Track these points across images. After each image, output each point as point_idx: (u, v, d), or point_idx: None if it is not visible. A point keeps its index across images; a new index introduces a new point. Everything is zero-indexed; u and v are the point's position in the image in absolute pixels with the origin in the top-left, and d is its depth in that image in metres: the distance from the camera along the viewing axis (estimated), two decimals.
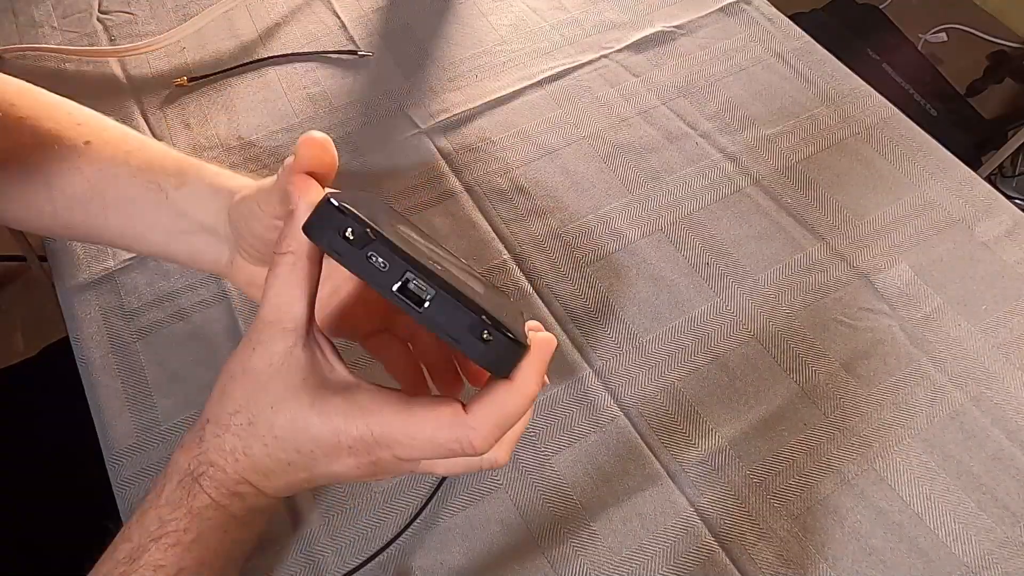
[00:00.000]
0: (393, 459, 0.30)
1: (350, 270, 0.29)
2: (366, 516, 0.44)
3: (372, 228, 0.28)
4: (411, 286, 0.29)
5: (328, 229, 0.29)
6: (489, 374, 0.32)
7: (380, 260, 0.29)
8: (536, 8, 0.72)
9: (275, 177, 0.35)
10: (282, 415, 0.30)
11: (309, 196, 0.31)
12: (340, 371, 0.31)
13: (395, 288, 0.29)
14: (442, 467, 0.33)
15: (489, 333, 0.29)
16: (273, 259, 0.31)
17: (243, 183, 0.39)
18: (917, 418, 0.47)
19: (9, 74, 0.69)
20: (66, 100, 0.45)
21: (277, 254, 0.30)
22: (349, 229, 0.28)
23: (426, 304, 0.29)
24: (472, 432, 0.29)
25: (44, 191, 0.41)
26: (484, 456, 0.31)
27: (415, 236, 0.34)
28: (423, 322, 0.29)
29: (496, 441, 0.30)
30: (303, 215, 0.30)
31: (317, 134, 0.32)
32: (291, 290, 0.30)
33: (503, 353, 0.30)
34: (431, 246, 0.35)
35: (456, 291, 0.29)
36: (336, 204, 0.29)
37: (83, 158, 0.41)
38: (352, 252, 0.29)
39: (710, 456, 0.46)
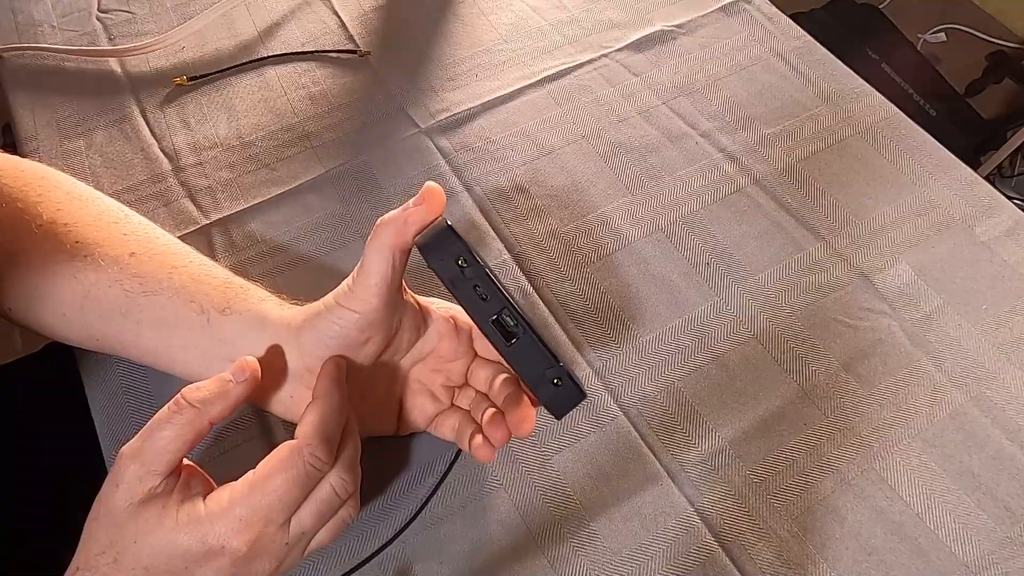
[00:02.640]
0: (270, 530, 0.32)
1: (453, 293, 0.32)
2: (365, 516, 0.44)
3: (482, 261, 0.31)
4: (504, 320, 0.32)
5: (444, 253, 0.31)
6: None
7: (482, 291, 0.31)
8: (536, 7, 0.71)
9: (345, 284, 0.36)
10: (146, 546, 0.31)
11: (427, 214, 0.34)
12: (204, 487, 0.34)
13: (491, 319, 0.32)
14: (325, 533, 0.36)
15: (560, 380, 0.32)
16: (177, 404, 0.32)
17: (293, 312, 0.39)
18: (917, 418, 0.47)
19: (8, 73, 0.70)
20: (115, 206, 0.45)
21: (184, 404, 0.32)
22: (462, 258, 0.31)
23: (514, 341, 0.32)
24: (305, 445, 0.33)
25: (79, 301, 0.40)
26: (334, 484, 0.34)
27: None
28: (507, 356, 0.32)
29: (327, 445, 0.33)
30: (413, 224, 0.33)
31: (435, 185, 0.34)
32: (178, 441, 0.32)
33: (567, 399, 0.33)
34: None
35: (540, 335, 0.32)
36: (456, 231, 0.31)
37: (125, 271, 0.40)
38: (461, 279, 0.31)
39: (710, 456, 0.46)
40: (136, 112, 0.64)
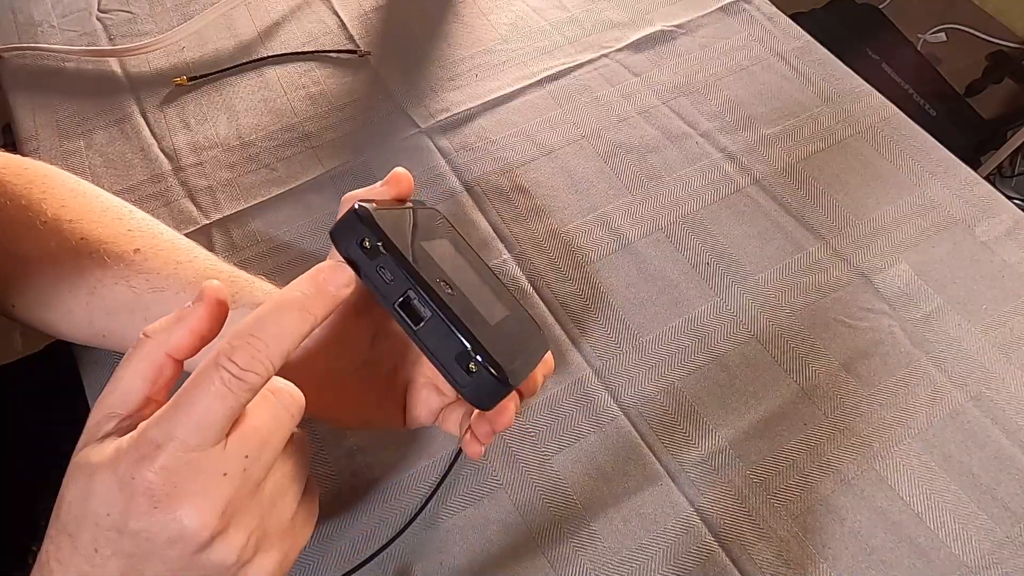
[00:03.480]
0: (189, 456, 0.26)
1: (361, 278, 0.30)
2: (366, 516, 0.44)
3: (386, 242, 0.29)
4: (413, 304, 0.29)
5: (349, 237, 0.30)
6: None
7: (388, 274, 0.29)
8: (536, 7, 0.71)
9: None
10: (77, 507, 0.27)
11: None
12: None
13: (396, 303, 0.29)
14: (294, 466, 0.30)
15: (475, 365, 0.29)
16: (137, 340, 0.28)
17: None
18: (917, 418, 0.47)
19: (8, 73, 0.70)
20: (118, 203, 0.45)
21: (141, 338, 0.28)
22: (366, 239, 0.29)
23: (421, 324, 0.29)
24: (222, 348, 0.26)
25: (84, 298, 0.40)
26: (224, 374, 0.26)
27: (449, 256, 0.34)
28: (415, 340, 0.30)
29: (250, 350, 0.26)
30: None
31: (403, 171, 0.33)
32: (136, 379, 0.28)
33: (484, 387, 0.30)
34: (467, 268, 0.35)
35: (454, 316, 0.29)
36: (359, 214, 0.30)
37: (130, 268, 0.40)
38: (365, 262, 0.29)
39: (710, 456, 0.46)
40: (136, 112, 0.64)
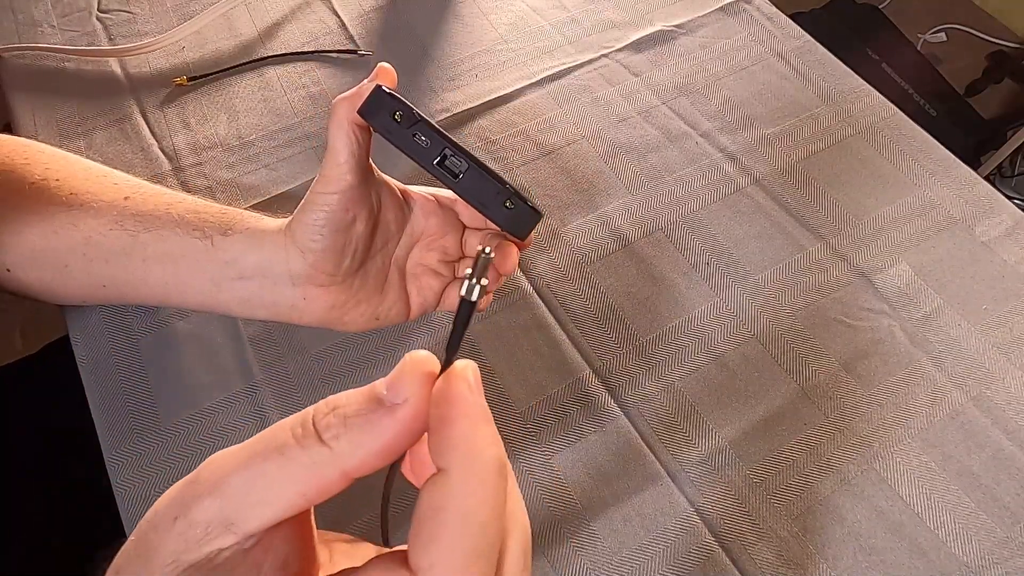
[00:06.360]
0: None
1: (397, 146, 0.34)
2: (366, 515, 0.44)
3: (417, 112, 0.34)
4: (448, 162, 0.34)
5: (381, 111, 0.34)
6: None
7: (423, 138, 0.34)
8: (536, 7, 0.71)
9: (317, 175, 0.37)
10: None
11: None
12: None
13: (435, 162, 0.34)
14: None
15: (511, 201, 0.35)
16: (304, 428, 0.20)
17: (285, 220, 0.40)
18: (917, 418, 0.47)
19: (8, 73, 0.70)
20: (99, 164, 0.46)
21: (311, 433, 0.20)
22: (399, 112, 0.34)
23: (460, 176, 0.35)
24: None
25: (80, 249, 0.40)
26: None
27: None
28: (458, 191, 0.35)
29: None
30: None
31: (387, 65, 0.36)
32: (287, 490, 0.20)
33: (522, 218, 0.35)
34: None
35: (485, 167, 0.35)
36: (387, 92, 0.34)
37: (123, 213, 0.41)
38: (400, 131, 0.34)
39: (710, 456, 0.46)
40: (136, 112, 0.64)
